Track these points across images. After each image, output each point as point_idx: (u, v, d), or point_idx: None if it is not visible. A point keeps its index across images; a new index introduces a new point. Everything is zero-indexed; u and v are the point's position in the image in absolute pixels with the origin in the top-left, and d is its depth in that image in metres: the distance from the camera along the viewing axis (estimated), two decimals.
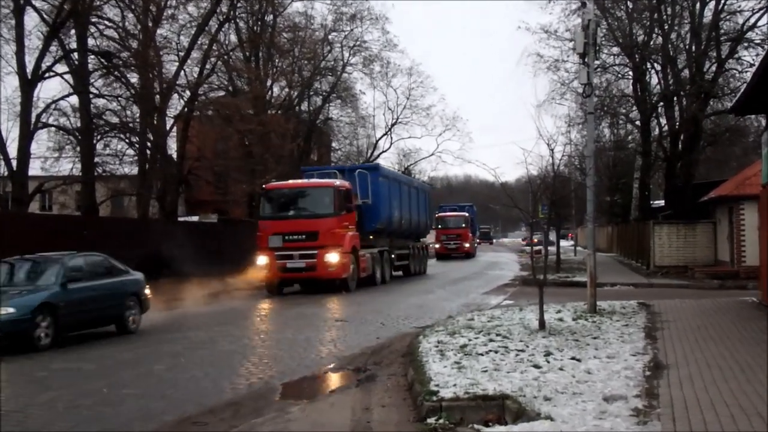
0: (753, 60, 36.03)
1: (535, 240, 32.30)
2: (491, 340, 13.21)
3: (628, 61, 40.97)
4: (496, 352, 12.06)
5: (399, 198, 34.00)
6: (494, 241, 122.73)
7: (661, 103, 40.97)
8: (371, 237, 30.54)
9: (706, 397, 8.67)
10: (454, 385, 9.66)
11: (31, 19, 34.10)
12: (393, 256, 33.33)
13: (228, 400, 10.29)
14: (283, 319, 19.31)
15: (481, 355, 11.83)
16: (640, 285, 28.25)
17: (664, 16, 39.14)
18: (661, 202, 47.60)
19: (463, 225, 58.65)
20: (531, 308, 18.40)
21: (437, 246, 57.66)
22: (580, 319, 16.03)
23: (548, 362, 11.08)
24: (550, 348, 12.27)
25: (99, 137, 35.31)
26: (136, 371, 12.42)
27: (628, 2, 40.66)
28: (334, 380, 11.71)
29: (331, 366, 12.73)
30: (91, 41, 33.66)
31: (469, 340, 13.33)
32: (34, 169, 34.72)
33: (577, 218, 59.06)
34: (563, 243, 61.84)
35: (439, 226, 58.15)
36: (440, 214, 61.03)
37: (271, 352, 13.93)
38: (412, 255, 36.76)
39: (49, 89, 65.77)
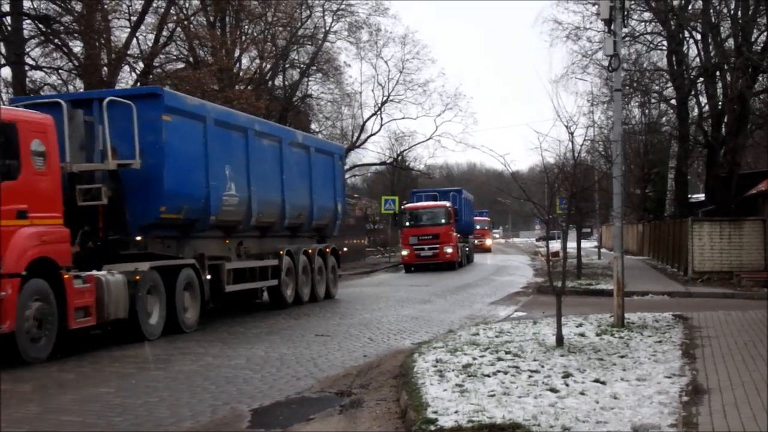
0: None
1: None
2: (500, 359, 13.21)
3: (662, 28, 41.00)
4: (506, 373, 12.06)
5: (244, 159, 22.45)
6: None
7: (701, 79, 41.00)
8: (139, 239, 19.25)
9: (755, 427, 8.66)
10: (456, 412, 9.66)
11: None
12: (217, 275, 21.29)
13: (187, 430, 10.25)
14: (252, 334, 19.26)
15: (488, 376, 11.83)
16: (676, 294, 28.30)
17: None
18: (701, 196, 47.72)
19: (443, 221, 47.12)
20: (547, 321, 18.43)
21: (404, 253, 47.68)
22: (604, 335, 16.06)
23: (567, 385, 11.09)
24: (570, 368, 12.27)
25: None
26: (78, 395, 12.35)
27: None
28: (313, 406, 11.67)
29: (310, 389, 12.69)
30: (26, 3, 33.56)
31: (474, 358, 13.33)
32: None
33: (602, 214, 59.22)
34: (585, 244, 61.86)
35: (407, 224, 47.57)
36: (409, 205, 50.87)
37: (238, 373, 13.88)
38: (292, 270, 25.53)
39: None
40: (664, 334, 16.17)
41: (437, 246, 46.56)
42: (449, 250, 46.78)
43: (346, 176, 67.69)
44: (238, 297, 24.26)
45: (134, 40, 37.17)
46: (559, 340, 14.64)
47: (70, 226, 16.80)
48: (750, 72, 36.73)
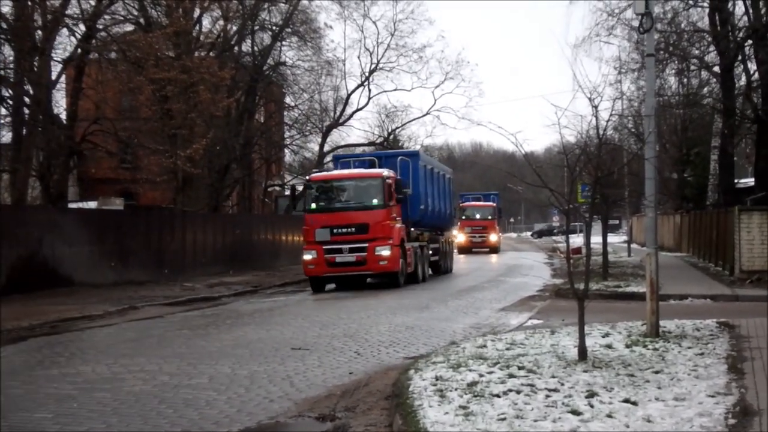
0: None
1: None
2: (511, 376, 13.23)
3: None
4: (519, 392, 12.08)
5: None
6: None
7: (750, 42, 41.05)
8: None
9: None
10: None
11: None
12: None
13: None
14: (215, 348, 19.25)
15: (498, 396, 11.85)
16: (720, 297, 28.33)
17: None
18: (750, 181, 47.79)
19: (376, 201, 34.94)
20: (567, 330, 18.46)
21: (308, 257, 34.86)
22: (636, 346, 16.08)
23: (592, 406, 11.10)
24: (595, 386, 12.29)
25: None
26: (9, 422, 12.32)
27: None
28: None
29: (285, 412, 12.70)
30: None
31: (481, 375, 13.35)
32: None
33: (632, 204, 59.32)
34: (612, 238, 61.86)
35: (313, 206, 35.60)
36: (318, 174, 39.16)
37: (200, 395, 13.87)
38: None
39: None
40: (706, 345, 16.18)
41: (364, 244, 34.52)
42: (385, 252, 34.56)
43: (326, 159, 67.84)
44: None
45: None
46: (582, 352, 14.65)
47: None
48: None
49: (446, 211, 45.76)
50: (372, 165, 37.93)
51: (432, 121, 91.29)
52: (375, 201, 34.69)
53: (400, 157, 38.75)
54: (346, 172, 37.47)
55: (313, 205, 35.29)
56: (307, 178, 38.07)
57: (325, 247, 34.28)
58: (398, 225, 35.56)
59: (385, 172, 35.74)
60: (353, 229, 34.29)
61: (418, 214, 38.27)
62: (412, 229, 38.07)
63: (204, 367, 16.40)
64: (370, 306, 27.63)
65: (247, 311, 27.49)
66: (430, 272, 41.99)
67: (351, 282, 35.49)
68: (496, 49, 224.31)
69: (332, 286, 36.03)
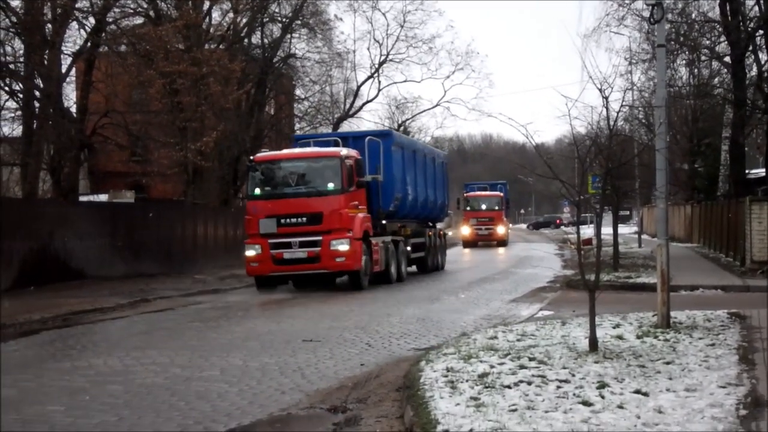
0: None
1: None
2: (522, 367, 13.23)
3: None
4: (530, 383, 12.08)
5: None
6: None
7: (761, 32, 40.91)
8: None
9: None
10: (471, 430, 9.67)
11: None
12: None
13: None
14: (226, 341, 19.28)
15: (509, 387, 11.85)
16: (731, 288, 28.31)
17: None
18: (761, 171, 47.68)
19: (331, 186, 30.07)
20: (578, 321, 18.44)
21: (251, 253, 30.34)
22: (646, 337, 16.06)
23: (603, 397, 11.10)
24: (606, 377, 12.29)
25: None
26: (21, 415, 12.36)
27: None
28: (301, 424, 11.68)
29: (297, 404, 12.71)
30: None
31: (492, 366, 13.35)
32: None
33: (643, 194, 59.24)
34: (623, 229, 61.68)
35: (257, 191, 30.85)
36: (262, 154, 34.61)
37: (212, 387, 13.89)
38: None
39: None
40: (717, 335, 16.17)
41: (317, 237, 29.74)
42: (342, 247, 29.65)
43: None
44: None
45: None
46: (593, 343, 14.64)
47: None
48: None
49: (436, 200, 40.51)
50: (336, 145, 32.58)
51: (442, 112, 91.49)
52: (331, 185, 29.77)
53: (368, 138, 33.09)
54: (296, 151, 32.53)
55: (257, 191, 30.51)
56: (251, 158, 32.49)
57: (270, 240, 29.62)
58: (361, 214, 30.75)
59: (344, 151, 30.88)
60: (304, 219, 29.58)
61: (391, 203, 33.46)
62: (385, 221, 33.48)
63: (215, 360, 16.41)
64: (378, 299, 27.64)
65: (258, 303, 27.51)
66: (415, 269, 38.51)
67: (311, 282, 31.44)
68: (506, 40, 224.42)
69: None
